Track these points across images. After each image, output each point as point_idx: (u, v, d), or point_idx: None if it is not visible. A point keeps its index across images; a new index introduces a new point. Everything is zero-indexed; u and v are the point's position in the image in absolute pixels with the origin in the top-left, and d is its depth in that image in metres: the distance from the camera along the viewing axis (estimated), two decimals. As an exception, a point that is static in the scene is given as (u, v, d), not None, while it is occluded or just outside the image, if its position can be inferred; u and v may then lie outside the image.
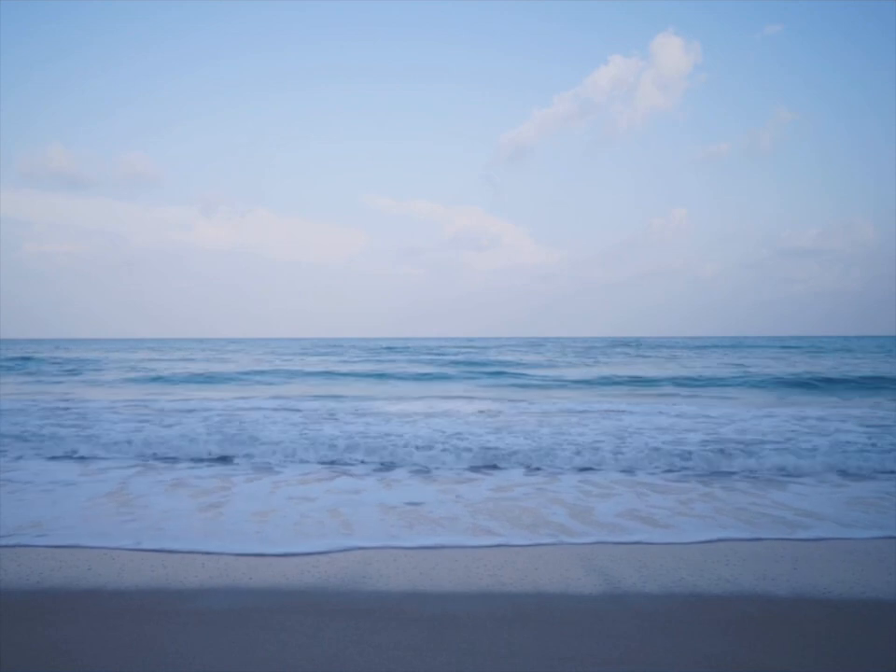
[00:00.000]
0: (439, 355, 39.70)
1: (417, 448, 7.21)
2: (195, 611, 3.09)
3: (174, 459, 7.10)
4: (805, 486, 5.95)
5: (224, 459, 7.13)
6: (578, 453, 7.02)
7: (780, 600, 3.28)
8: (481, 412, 11.50)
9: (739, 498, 5.49)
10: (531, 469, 6.65)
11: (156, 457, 7.18)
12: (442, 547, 4.16)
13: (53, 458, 7.12)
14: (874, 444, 7.44)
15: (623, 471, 6.55)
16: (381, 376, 22.79)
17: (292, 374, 23.27)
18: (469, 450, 7.16)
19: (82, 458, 7.13)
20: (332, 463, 6.94)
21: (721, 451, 7.04)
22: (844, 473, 6.45)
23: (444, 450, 7.16)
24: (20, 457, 7.14)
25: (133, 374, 23.35)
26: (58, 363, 30.14)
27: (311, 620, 2.98)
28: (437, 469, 6.71)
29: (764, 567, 3.80)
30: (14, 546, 4.11)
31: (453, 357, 35.65)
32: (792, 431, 8.67)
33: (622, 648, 2.70)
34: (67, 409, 11.25)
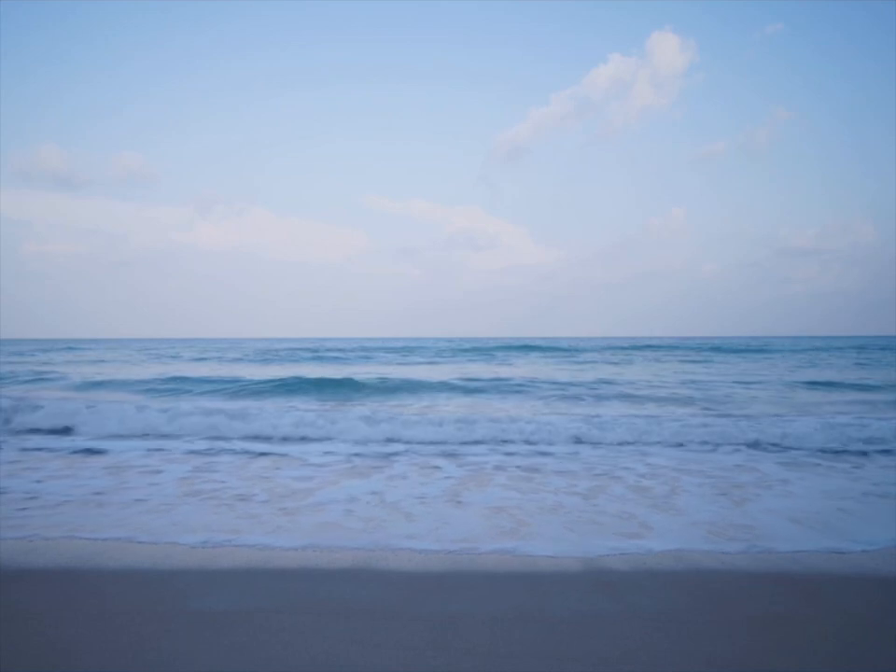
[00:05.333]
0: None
1: None
2: (195, 611, 3.08)
3: None
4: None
5: None
6: None
7: (781, 600, 3.28)
8: None
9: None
10: None
11: None
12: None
13: None
14: None
15: None
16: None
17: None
18: None
19: None
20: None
21: None
22: None
23: None
24: None
25: None
26: None
27: (311, 620, 2.98)
28: None
29: (764, 567, 3.80)
30: (13, 543, 4.11)
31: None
32: None
33: (621, 647, 2.70)
34: None
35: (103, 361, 30.65)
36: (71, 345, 56.24)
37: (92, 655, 2.62)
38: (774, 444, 8.21)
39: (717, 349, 40.40)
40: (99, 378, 18.83)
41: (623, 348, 44.88)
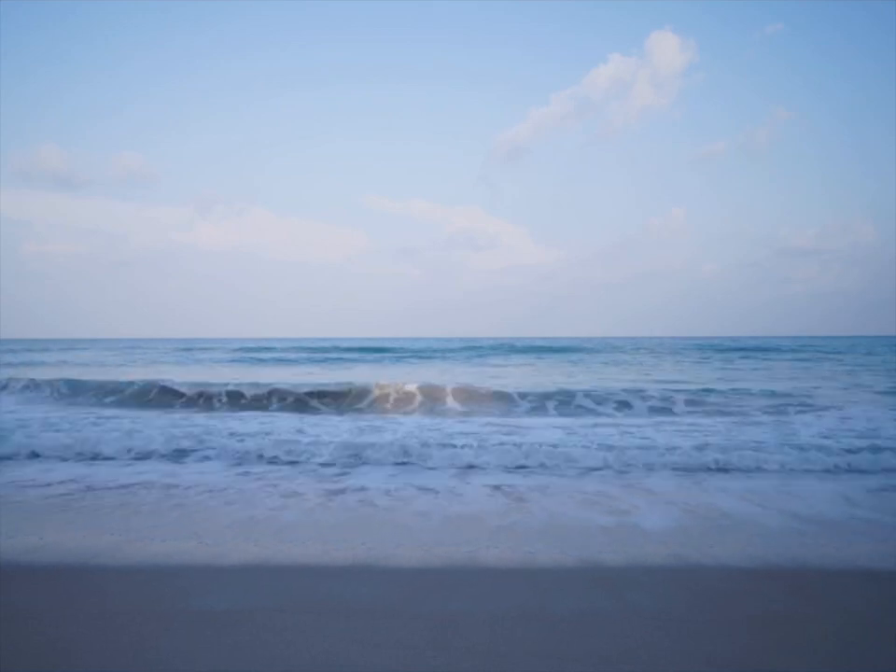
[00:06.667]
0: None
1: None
2: (195, 611, 3.09)
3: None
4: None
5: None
6: None
7: (780, 598, 3.28)
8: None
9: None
10: None
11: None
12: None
13: None
14: None
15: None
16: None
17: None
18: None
19: None
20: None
21: None
22: None
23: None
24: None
25: None
26: None
27: (312, 619, 2.98)
28: None
29: (762, 564, 3.80)
30: (12, 543, 4.11)
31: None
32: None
33: (622, 646, 2.70)
34: None
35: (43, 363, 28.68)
36: (61, 346, 55.28)
37: (92, 654, 2.62)
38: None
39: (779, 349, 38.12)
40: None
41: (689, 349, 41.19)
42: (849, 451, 7.21)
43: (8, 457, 7.27)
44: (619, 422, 10.31)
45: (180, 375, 17.88)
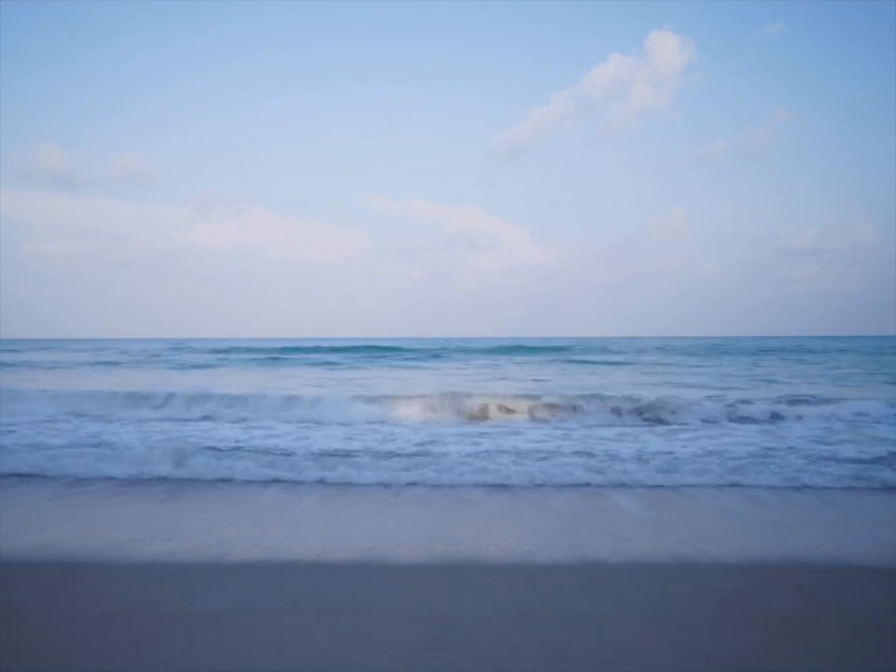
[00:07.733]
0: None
1: None
2: (195, 611, 3.08)
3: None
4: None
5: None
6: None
7: (780, 598, 3.28)
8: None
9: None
10: None
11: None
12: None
13: None
14: None
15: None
16: None
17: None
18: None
19: None
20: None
21: None
22: None
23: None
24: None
25: None
26: None
27: (311, 618, 2.98)
28: None
29: (761, 564, 3.80)
30: (12, 544, 4.11)
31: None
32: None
33: (621, 647, 2.70)
34: None
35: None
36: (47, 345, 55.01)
37: (92, 654, 2.62)
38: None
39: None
40: None
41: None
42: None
43: None
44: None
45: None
